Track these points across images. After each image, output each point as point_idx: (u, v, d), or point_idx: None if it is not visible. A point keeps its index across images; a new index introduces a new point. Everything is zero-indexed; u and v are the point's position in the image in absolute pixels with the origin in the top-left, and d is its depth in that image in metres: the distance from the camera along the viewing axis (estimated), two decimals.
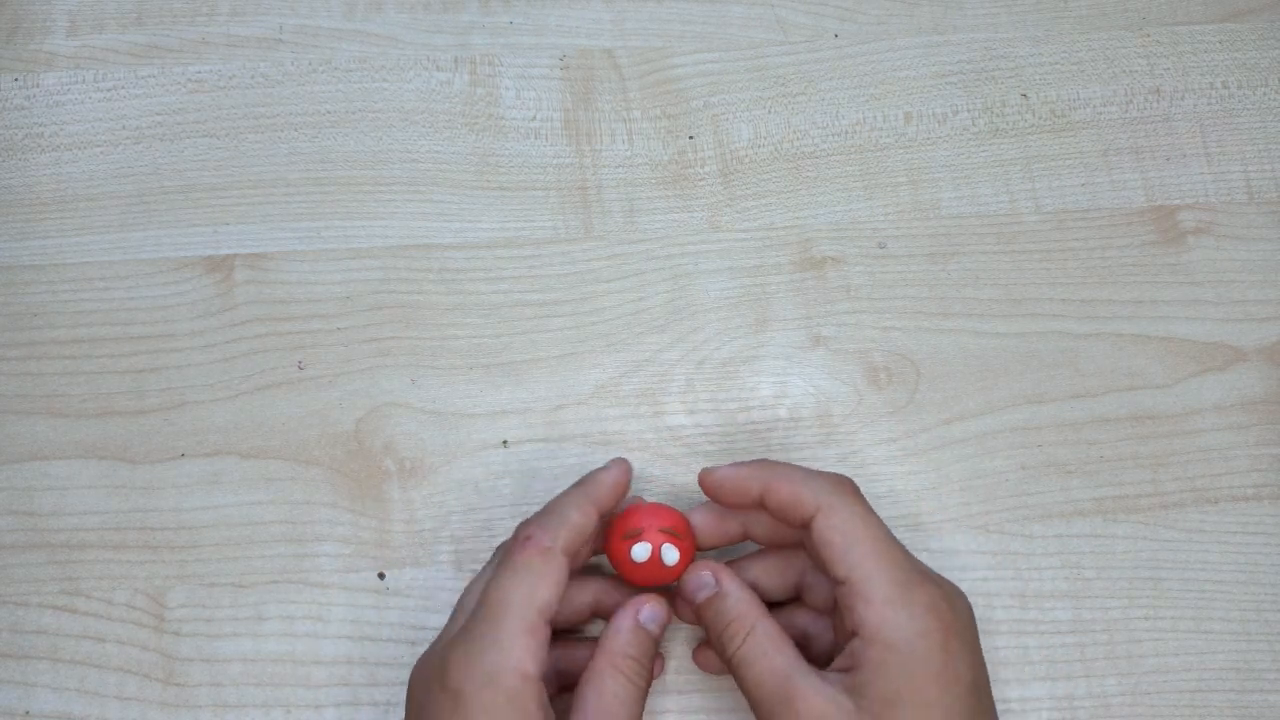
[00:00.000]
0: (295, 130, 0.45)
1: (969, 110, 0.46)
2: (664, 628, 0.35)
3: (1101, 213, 0.44)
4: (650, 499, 0.38)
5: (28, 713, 0.37)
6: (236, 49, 0.46)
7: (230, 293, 0.42)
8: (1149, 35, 0.47)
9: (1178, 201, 0.45)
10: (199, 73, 0.45)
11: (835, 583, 0.32)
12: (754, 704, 0.32)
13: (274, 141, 0.44)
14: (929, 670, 0.31)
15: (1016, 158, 0.45)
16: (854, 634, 0.31)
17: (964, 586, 0.35)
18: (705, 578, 0.34)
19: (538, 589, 0.32)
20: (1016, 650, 0.38)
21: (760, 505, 0.34)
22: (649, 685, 0.34)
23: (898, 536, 0.33)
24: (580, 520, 0.34)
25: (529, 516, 0.35)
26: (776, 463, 0.35)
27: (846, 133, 0.45)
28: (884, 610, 0.31)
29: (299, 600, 0.38)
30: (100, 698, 0.37)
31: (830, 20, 0.47)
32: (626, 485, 0.36)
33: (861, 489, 0.34)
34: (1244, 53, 0.47)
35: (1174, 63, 0.47)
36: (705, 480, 0.35)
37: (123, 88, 0.45)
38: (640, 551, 0.35)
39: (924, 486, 0.40)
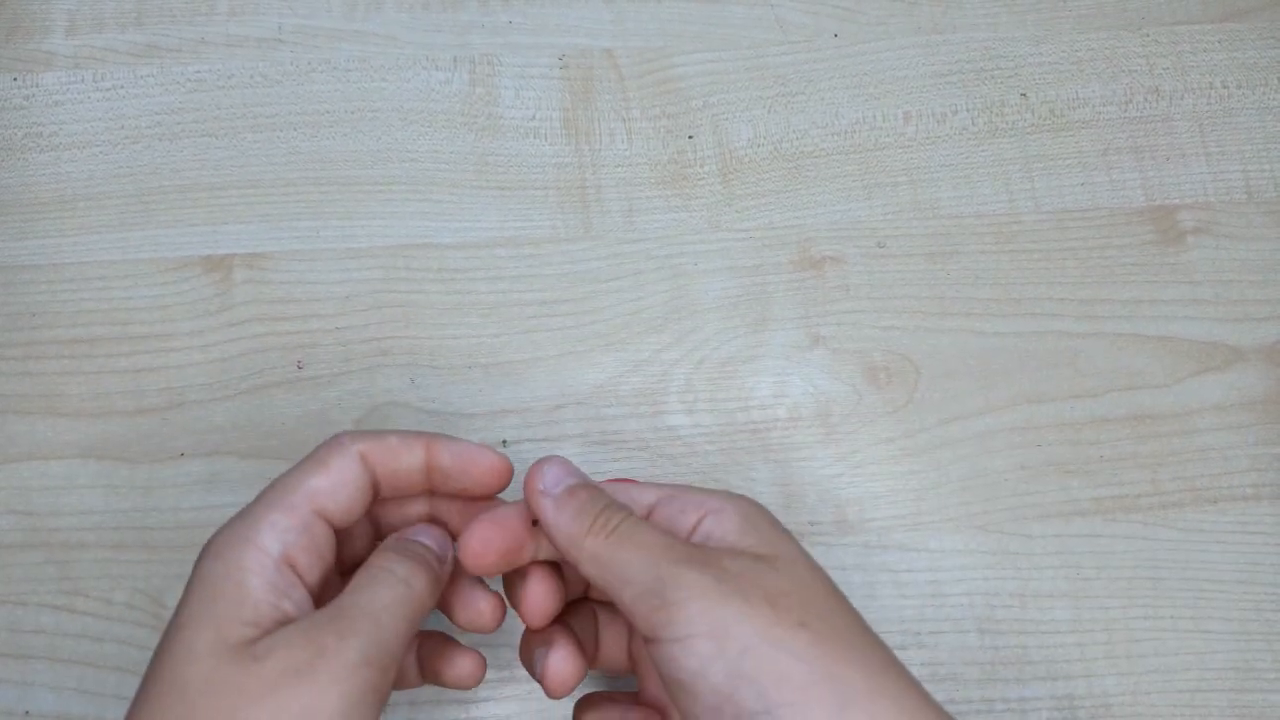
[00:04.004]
0: (294, 130, 0.45)
1: (968, 110, 0.46)
2: (478, 556, 0.31)
3: (1101, 212, 0.44)
4: None
5: (27, 713, 0.37)
6: (236, 49, 0.46)
7: (229, 292, 0.42)
8: (1148, 35, 0.47)
9: (1177, 201, 0.45)
10: (198, 72, 0.45)
11: (649, 510, 0.31)
12: (654, 578, 0.28)
13: (273, 141, 0.44)
14: (787, 533, 0.30)
15: (1016, 157, 0.45)
16: (702, 518, 0.30)
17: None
18: (569, 467, 0.31)
19: (312, 474, 0.30)
20: (1016, 650, 0.38)
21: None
22: (431, 600, 0.30)
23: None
24: (397, 442, 0.31)
25: None
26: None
27: (846, 132, 0.45)
28: (716, 494, 0.30)
29: None
30: (99, 697, 0.37)
31: (830, 20, 0.47)
32: (492, 471, 0.32)
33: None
34: (1243, 52, 0.47)
35: (1173, 62, 0.47)
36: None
37: (122, 87, 0.45)
38: None
39: (924, 486, 0.40)
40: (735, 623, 0.26)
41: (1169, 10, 0.48)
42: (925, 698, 0.27)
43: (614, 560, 0.28)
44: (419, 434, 0.32)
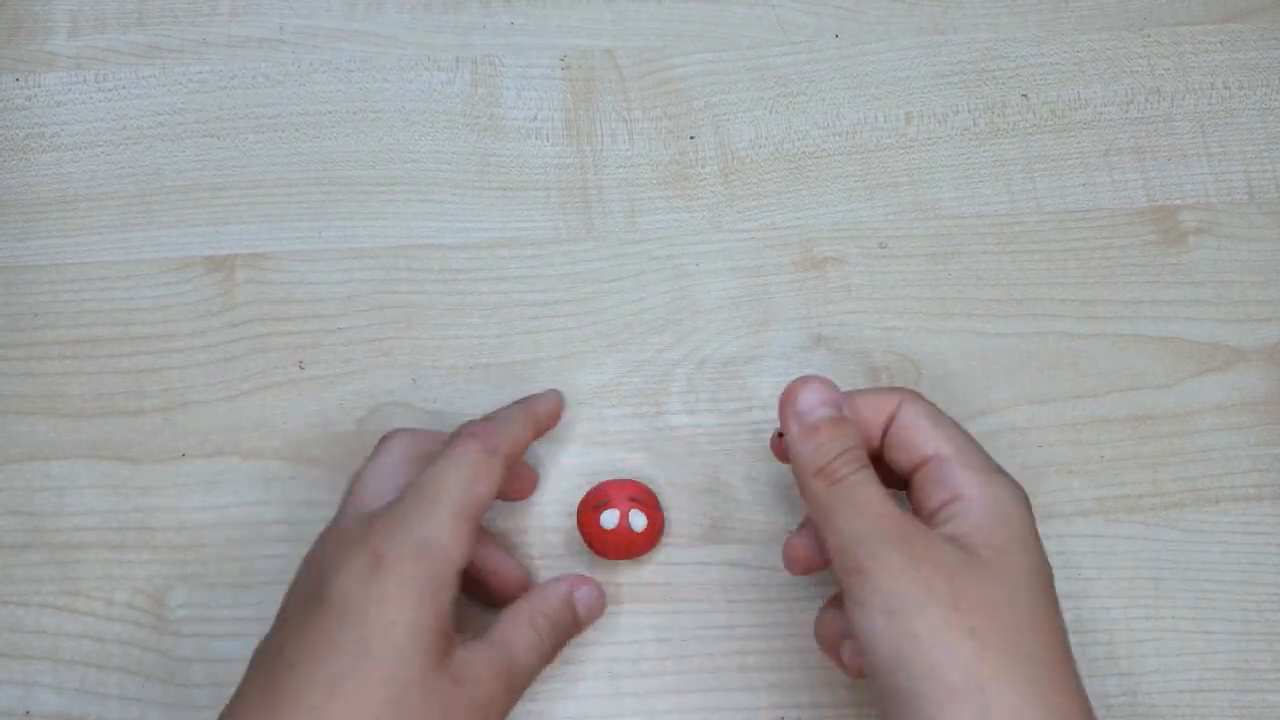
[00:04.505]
0: (296, 130, 0.45)
1: (970, 110, 0.46)
2: (590, 616, 0.36)
3: (1102, 213, 0.44)
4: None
5: (28, 713, 0.37)
6: (237, 49, 0.46)
7: (231, 293, 0.42)
8: (1150, 35, 0.47)
9: (1178, 201, 0.45)
10: (200, 73, 0.45)
11: (919, 463, 0.32)
12: (860, 537, 0.29)
13: (275, 141, 0.44)
14: (1029, 541, 0.31)
15: (1017, 158, 0.45)
16: (950, 500, 0.31)
17: None
18: (828, 393, 0.32)
19: (477, 482, 0.32)
20: None
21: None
22: (556, 651, 0.35)
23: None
24: (521, 432, 0.35)
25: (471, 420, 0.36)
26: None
27: (847, 133, 0.45)
28: (985, 477, 0.31)
29: None
30: (101, 698, 0.37)
31: (831, 20, 0.47)
32: (560, 412, 0.39)
33: None
34: (1245, 53, 0.47)
35: (1175, 63, 0.47)
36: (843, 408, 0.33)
37: (124, 88, 0.45)
38: (609, 518, 0.36)
39: None
40: (912, 610, 0.28)
41: (1170, 11, 0.48)
42: None
43: (829, 508, 0.30)
44: (526, 412, 0.36)
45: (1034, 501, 0.40)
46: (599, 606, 0.36)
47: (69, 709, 0.37)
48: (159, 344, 0.42)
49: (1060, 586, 0.39)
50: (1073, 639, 0.38)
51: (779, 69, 0.46)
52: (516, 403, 0.37)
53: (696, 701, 0.38)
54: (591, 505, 0.37)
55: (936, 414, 0.33)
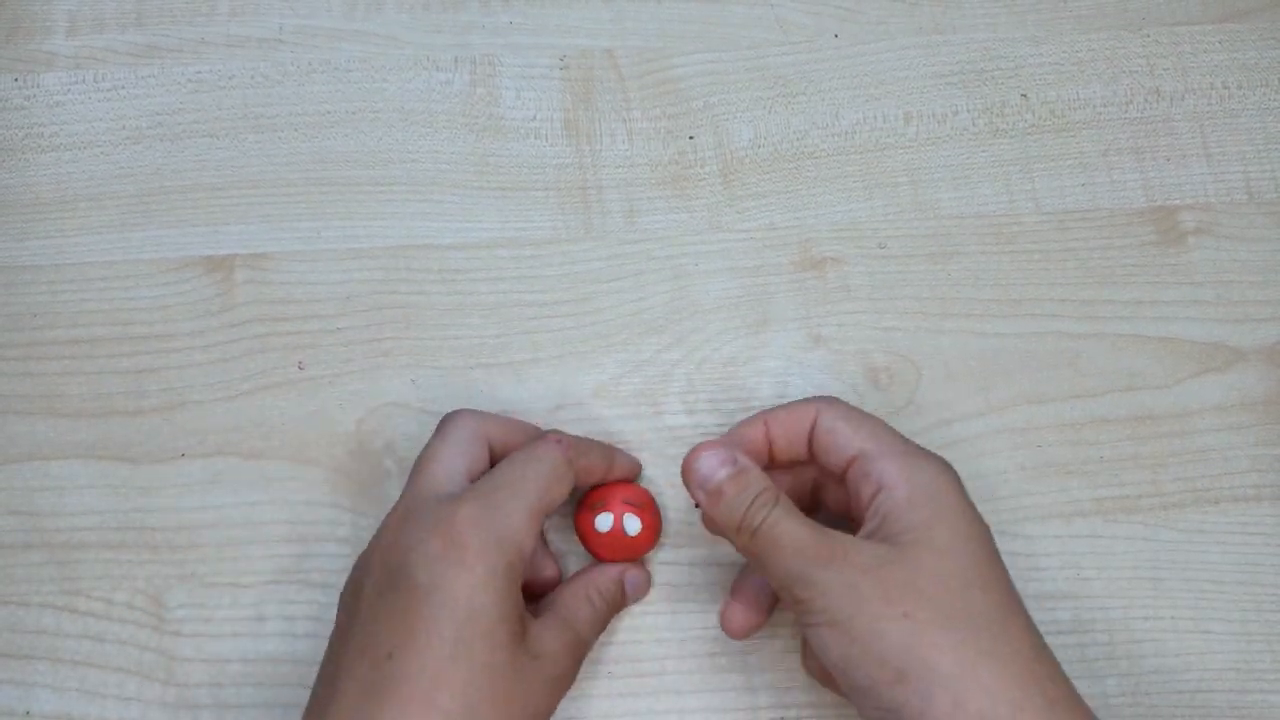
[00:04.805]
0: (295, 130, 0.45)
1: (969, 110, 0.46)
2: (635, 596, 0.38)
3: (1101, 213, 0.44)
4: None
5: (28, 713, 0.37)
6: (236, 49, 0.46)
7: (230, 293, 0.42)
8: (1149, 35, 0.47)
9: (1178, 202, 0.45)
10: (199, 73, 0.45)
11: (847, 464, 0.34)
12: (789, 570, 0.31)
13: (274, 141, 0.44)
14: (954, 510, 0.32)
15: (1016, 158, 0.45)
16: (876, 492, 0.33)
17: None
18: (722, 455, 0.33)
19: (553, 485, 0.34)
20: None
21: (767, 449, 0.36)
22: (604, 626, 0.37)
23: None
24: (597, 460, 0.37)
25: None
26: (757, 413, 0.37)
27: (846, 133, 0.45)
28: (903, 461, 0.33)
29: (299, 600, 0.38)
30: (100, 698, 0.37)
31: (830, 20, 0.47)
32: (635, 475, 0.39)
33: None
34: (1244, 53, 0.47)
35: (1174, 63, 0.47)
36: (755, 440, 0.36)
37: (123, 88, 0.45)
38: (603, 522, 0.37)
39: None
40: (852, 615, 0.30)
41: (1169, 11, 0.48)
42: (1030, 687, 0.30)
43: (758, 557, 0.32)
44: (608, 451, 0.38)
45: (1033, 501, 0.40)
46: (644, 588, 0.38)
47: (68, 709, 0.37)
48: (158, 344, 0.42)
49: (1060, 586, 0.39)
50: (1072, 639, 0.39)
51: (778, 69, 0.46)
52: (602, 442, 0.39)
53: (696, 701, 0.38)
54: (587, 508, 0.37)
55: (854, 414, 0.35)
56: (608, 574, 0.37)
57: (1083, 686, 0.38)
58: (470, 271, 0.43)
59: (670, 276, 0.43)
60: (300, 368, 0.41)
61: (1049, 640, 0.38)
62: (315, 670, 0.37)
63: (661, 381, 0.42)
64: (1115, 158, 0.45)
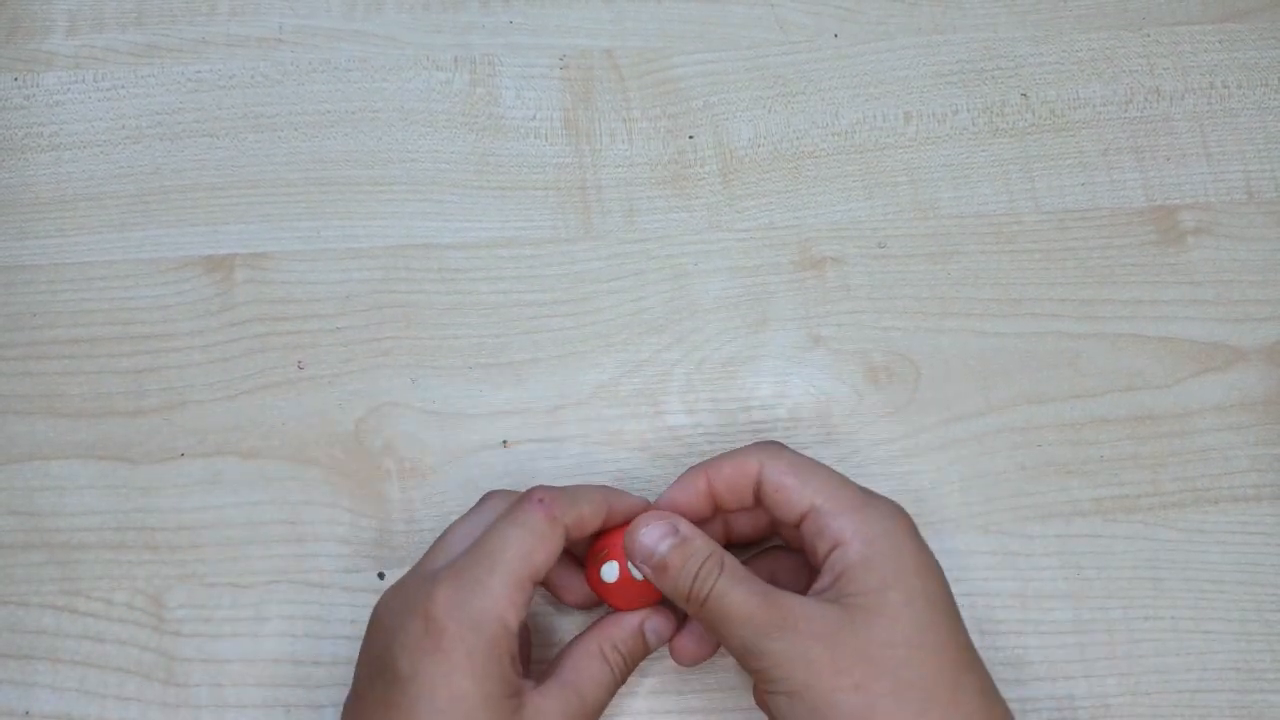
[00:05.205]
0: (295, 130, 0.45)
1: (969, 110, 0.46)
2: (660, 643, 0.35)
3: (1101, 212, 0.44)
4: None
5: (27, 713, 0.37)
6: (236, 49, 0.46)
7: (230, 292, 0.42)
8: (1149, 35, 0.47)
9: (1177, 201, 0.45)
10: (199, 72, 0.45)
11: (799, 520, 0.33)
12: (741, 641, 0.32)
13: (274, 141, 0.44)
14: (907, 559, 0.32)
15: (1016, 157, 0.45)
16: (831, 550, 0.32)
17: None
18: (663, 528, 0.33)
19: (536, 550, 0.33)
20: (1016, 650, 0.38)
21: (718, 502, 0.35)
22: (623, 681, 0.35)
23: None
24: (589, 511, 0.34)
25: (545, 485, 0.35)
26: (699, 464, 0.36)
27: (846, 132, 0.45)
28: (855, 517, 0.33)
29: (299, 600, 0.38)
30: (100, 698, 0.37)
31: (830, 20, 0.47)
32: (642, 511, 0.36)
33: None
34: (1244, 53, 0.47)
35: (1174, 63, 0.47)
36: (692, 500, 0.35)
37: (122, 87, 0.45)
38: (609, 571, 0.35)
39: (924, 486, 0.40)
40: (807, 684, 0.31)
41: (1169, 10, 0.48)
42: None
43: (711, 625, 0.33)
44: (603, 498, 0.35)
45: (1033, 501, 0.40)
46: (669, 630, 0.36)
47: (68, 709, 0.37)
48: (158, 344, 0.42)
49: (1060, 586, 0.39)
50: (1072, 639, 0.39)
51: (778, 69, 0.46)
52: (602, 486, 0.36)
53: (696, 702, 0.38)
54: (591, 558, 0.36)
55: (800, 465, 0.34)
56: (625, 625, 0.35)
57: (1083, 686, 0.38)
58: (470, 271, 0.43)
59: (670, 276, 0.43)
60: (300, 367, 0.41)
61: (1047, 640, 0.39)
62: (315, 670, 0.37)
63: (661, 381, 0.42)
64: (1115, 157, 0.45)
